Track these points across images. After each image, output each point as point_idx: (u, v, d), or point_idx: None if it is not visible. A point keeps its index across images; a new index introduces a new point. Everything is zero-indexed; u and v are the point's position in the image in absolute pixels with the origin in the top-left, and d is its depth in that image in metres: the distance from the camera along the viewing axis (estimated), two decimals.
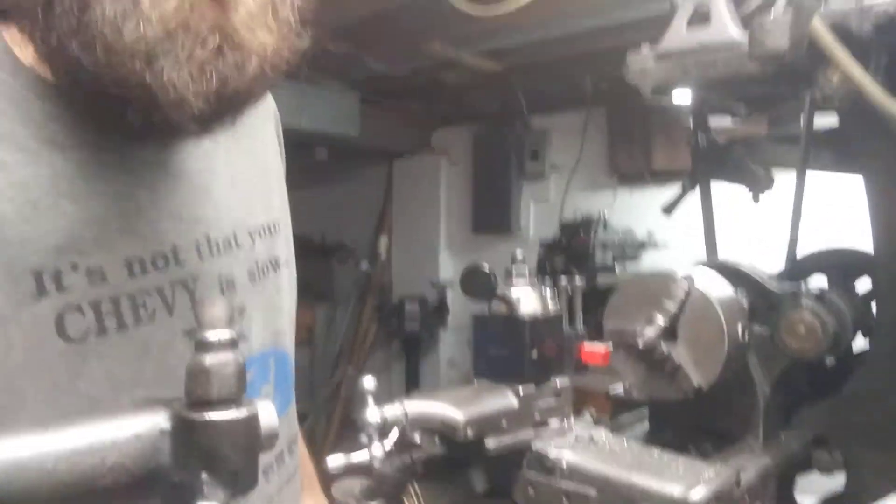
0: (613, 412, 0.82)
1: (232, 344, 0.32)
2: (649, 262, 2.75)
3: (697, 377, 0.66)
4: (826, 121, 0.85)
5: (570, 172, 3.24)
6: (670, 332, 0.68)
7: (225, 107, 0.50)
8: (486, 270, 0.52)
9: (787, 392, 0.75)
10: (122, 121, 0.49)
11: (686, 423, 0.76)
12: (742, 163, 0.90)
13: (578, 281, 0.64)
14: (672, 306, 0.67)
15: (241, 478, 0.31)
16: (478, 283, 0.52)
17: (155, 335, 0.55)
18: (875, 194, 0.75)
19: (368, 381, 0.50)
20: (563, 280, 0.64)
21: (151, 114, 0.48)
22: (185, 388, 0.31)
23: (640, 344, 0.66)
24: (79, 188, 0.51)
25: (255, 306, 0.65)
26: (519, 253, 0.61)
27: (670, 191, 1.01)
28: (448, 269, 3.84)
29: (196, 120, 0.49)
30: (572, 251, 2.73)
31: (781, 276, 0.86)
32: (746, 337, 0.68)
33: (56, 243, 0.49)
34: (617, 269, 2.59)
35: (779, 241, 0.90)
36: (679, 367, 0.66)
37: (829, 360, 0.71)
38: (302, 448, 0.84)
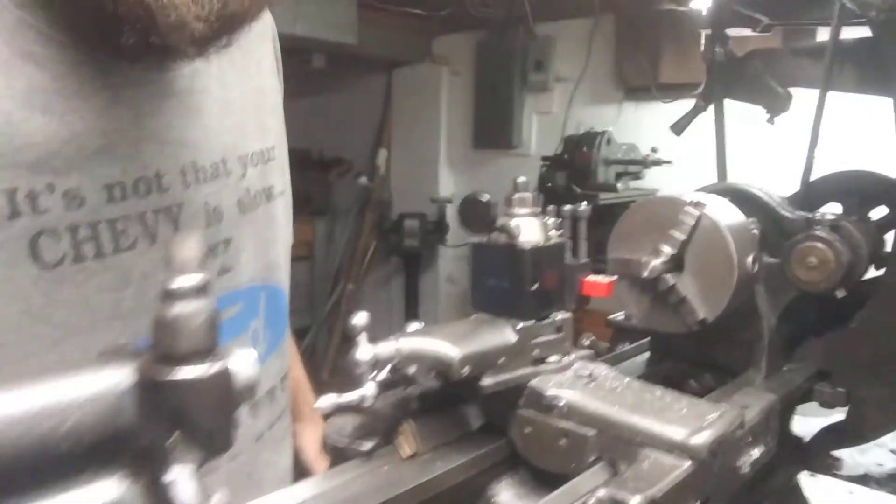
0: (613, 340, 0.80)
1: (202, 290, 0.29)
2: (654, 180, 2.70)
3: (703, 310, 0.64)
4: (853, 35, 0.79)
5: (574, 84, 3.14)
6: (677, 262, 0.65)
7: (223, 28, 0.49)
8: (486, 200, 0.48)
9: (793, 323, 0.73)
10: (114, 39, 0.47)
11: (687, 355, 0.75)
12: (760, 80, 0.85)
13: (583, 208, 0.60)
14: (679, 235, 0.63)
15: (216, 438, 0.29)
16: (477, 215, 0.49)
17: (135, 264, 0.53)
18: None
19: (360, 318, 0.47)
20: (568, 208, 0.61)
21: (148, 35, 0.46)
22: (153, 340, 0.28)
23: (646, 274, 0.63)
24: (55, 103, 0.48)
25: (243, 238, 0.62)
26: (521, 178, 0.57)
27: (678, 106, 0.96)
28: (448, 185, 3.79)
29: (194, 42, 0.48)
30: (574, 167, 2.67)
31: (794, 200, 0.82)
32: (756, 268, 0.65)
33: (30, 161, 0.47)
34: (620, 187, 2.55)
35: (793, 165, 0.86)
36: (684, 298, 0.64)
37: (839, 292, 0.68)
38: (302, 376, 0.83)
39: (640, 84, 2.86)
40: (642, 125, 2.89)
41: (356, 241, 4.04)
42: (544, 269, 0.56)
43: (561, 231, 0.61)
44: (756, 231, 0.71)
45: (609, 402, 0.51)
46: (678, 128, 0.95)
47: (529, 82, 3.29)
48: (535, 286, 0.55)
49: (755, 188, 0.74)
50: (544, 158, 2.82)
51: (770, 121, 0.86)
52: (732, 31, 0.84)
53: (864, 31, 0.77)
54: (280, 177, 0.69)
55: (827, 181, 0.80)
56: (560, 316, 0.57)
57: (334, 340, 4.01)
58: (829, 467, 0.74)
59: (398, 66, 3.84)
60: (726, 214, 0.66)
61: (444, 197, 3.61)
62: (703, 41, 0.91)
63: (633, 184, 2.74)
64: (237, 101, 0.63)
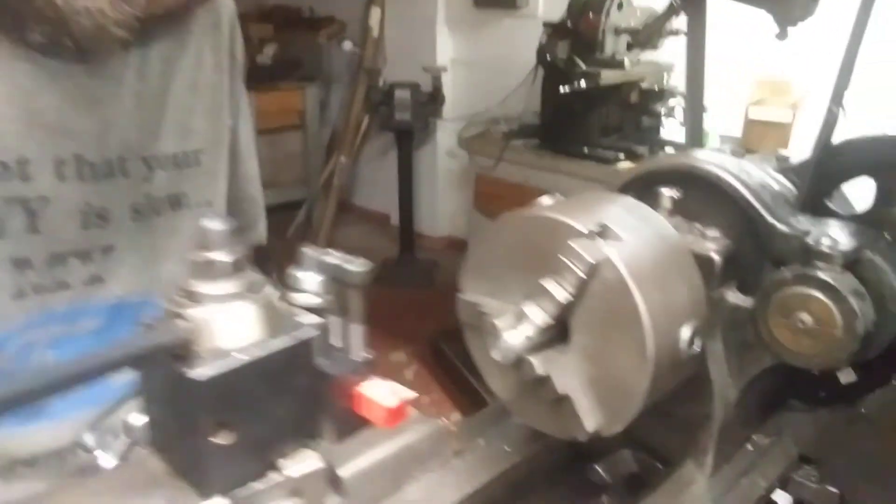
0: None
1: None
2: (670, 51, 2.29)
3: (596, 417, 0.37)
4: None
5: None
6: (558, 332, 0.37)
7: (157, 25, 0.47)
8: None
9: (765, 388, 0.46)
10: (19, 33, 0.45)
11: None
12: None
13: (357, 269, 0.32)
14: (561, 293, 0.35)
15: None
16: None
17: None
18: None
19: None
20: (332, 261, 0.32)
21: (59, 36, 0.44)
22: None
23: (498, 356, 0.36)
24: None
25: (128, 246, 0.57)
26: (211, 222, 0.29)
27: None
28: (447, 49, 3.39)
29: (120, 44, 0.46)
30: (578, 36, 2.27)
31: (802, 171, 0.52)
32: (698, 347, 0.37)
33: None
34: (628, 63, 2.15)
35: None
36: (565, 398, 0.37)
37: (844, 376, 0.41)
38: None
39: None
40: None
41: (349, 112, 3.71)
42: (258, 395, 0.29)
43: (328, 297, 0.34)
44: (715, 255, 0.42)
45: None
46: (642, 37, 0.63)
47: None
48: (232, 440, 0.28)
49: (730, 172, 0.44)
50: (546, 25, 2.40)
51: (781, 35, 0.54)
52: None
53: None
54: (203, 185, 0.62)
55: (854, 146, 0.49)
56: (300, 467, 0.31)
57: (329, 213, 3.82)
58: None
59: None
60: (645, 250, 0.37)
61: (439, 65, 3.21)
62: None
63: (646, 56, 2.33)
64: (156, 95, 0.57)
